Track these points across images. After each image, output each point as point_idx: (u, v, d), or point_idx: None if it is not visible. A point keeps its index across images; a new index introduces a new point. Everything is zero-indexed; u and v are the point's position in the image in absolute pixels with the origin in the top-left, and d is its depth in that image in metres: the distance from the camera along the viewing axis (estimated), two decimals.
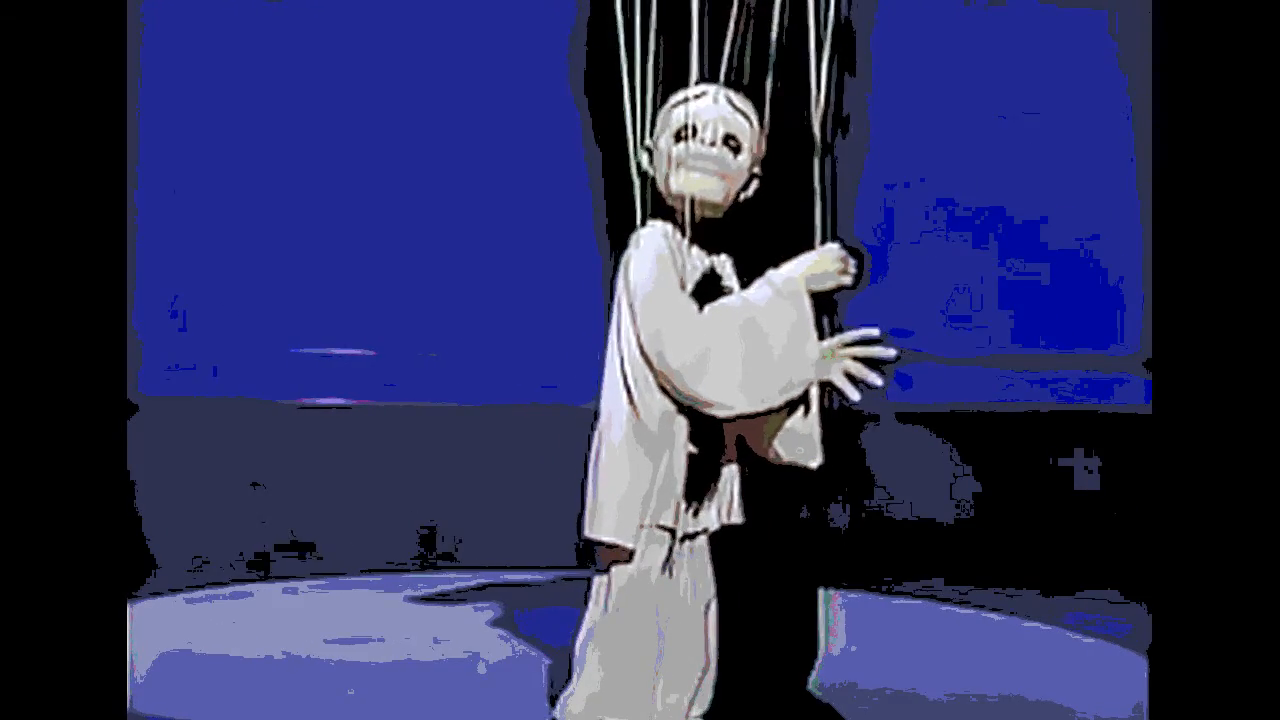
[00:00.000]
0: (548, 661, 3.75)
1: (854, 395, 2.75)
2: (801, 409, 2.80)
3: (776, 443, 2.82)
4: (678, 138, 2.83)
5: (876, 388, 2.76)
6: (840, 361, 2.75)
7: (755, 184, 2.91)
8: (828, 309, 2.84)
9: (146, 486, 4.50)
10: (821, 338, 2.77)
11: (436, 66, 5.36)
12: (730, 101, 2.88)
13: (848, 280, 2.82)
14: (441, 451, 5.32)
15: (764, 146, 2.91)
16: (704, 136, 2.83)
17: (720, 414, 2.74)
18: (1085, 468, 5.46)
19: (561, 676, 2.84)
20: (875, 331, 2.79)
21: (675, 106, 2.87)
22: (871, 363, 2.76)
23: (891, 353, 2.77)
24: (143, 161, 3.58)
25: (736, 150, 2.84)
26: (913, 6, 5.26)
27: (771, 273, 2.79)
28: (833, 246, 2.83)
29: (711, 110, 2.84)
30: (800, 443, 2.82)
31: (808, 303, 2.76)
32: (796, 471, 2.88)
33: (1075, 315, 5.59)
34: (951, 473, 5.44)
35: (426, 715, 3.68)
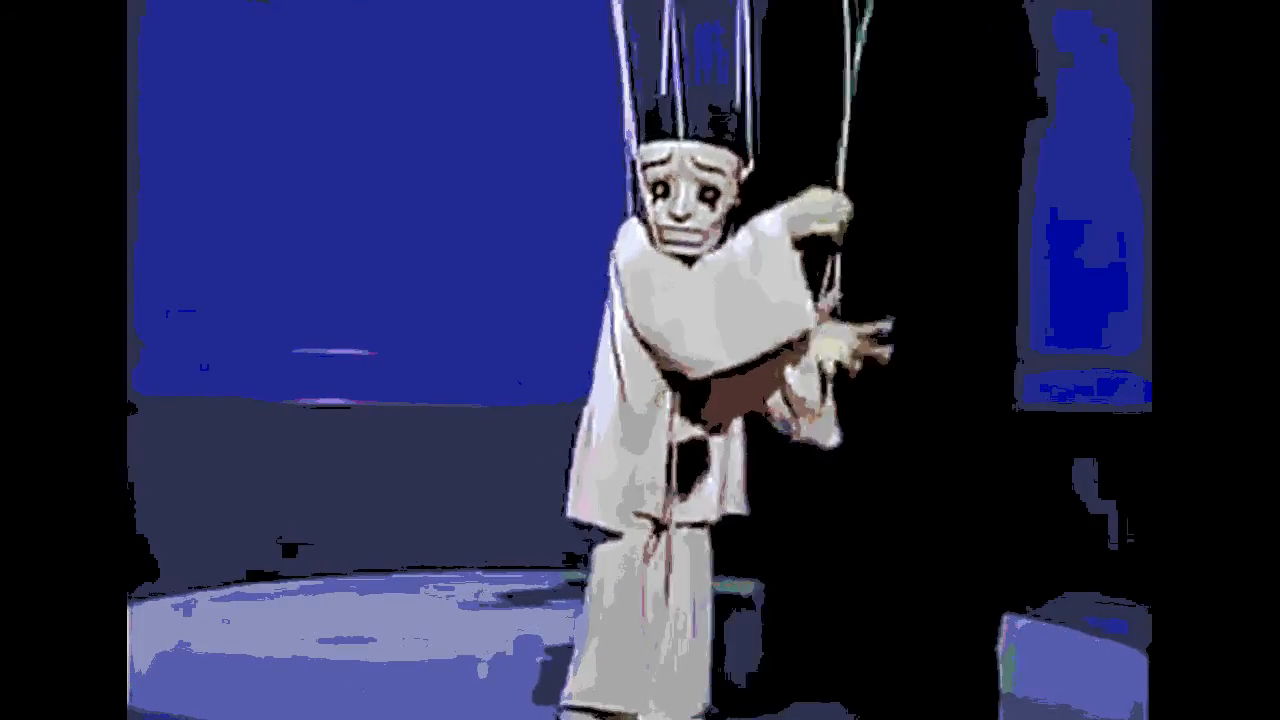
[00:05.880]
0: (548, 661, 3.75)
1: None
2: (817, 385, 2.74)
3: (788, 415, 2.76)
4: (654, 194, 2.73)
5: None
6: (852, 339, 2.70)
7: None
8: (821, 263, 2.74)
9: (146, 486, 4.50)
10: (817, 294, 2.69)
11: (434, 66, 5.36)
12: (696, 162, 2.68)
13: (843, 215, 2.70)
14: (441, 451, 5.32)
15: (745, 171, 2.80)
16: (676, 212, 2.73)
17: (701, 372, 2.66)
18: (1085, 468, 5.46)
19: (562, 676, 2.84)
20: (888, 325, 2.73)
21: (647, 167, 2.69)
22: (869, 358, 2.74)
23: (887, 356, 2.74)
24: (143, 161, 3.58)
25: (714, 200, 2.74)
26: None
27: (754, 219, 2.71)
28: (822, 190, 2.73)
29: (682, 177, 2.72)
30: (814, 420, 2.76)
31: (790, 245, 2.66)
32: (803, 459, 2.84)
33: (1075, 315, 5.59)
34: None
35: (426, 715, 3.68)
